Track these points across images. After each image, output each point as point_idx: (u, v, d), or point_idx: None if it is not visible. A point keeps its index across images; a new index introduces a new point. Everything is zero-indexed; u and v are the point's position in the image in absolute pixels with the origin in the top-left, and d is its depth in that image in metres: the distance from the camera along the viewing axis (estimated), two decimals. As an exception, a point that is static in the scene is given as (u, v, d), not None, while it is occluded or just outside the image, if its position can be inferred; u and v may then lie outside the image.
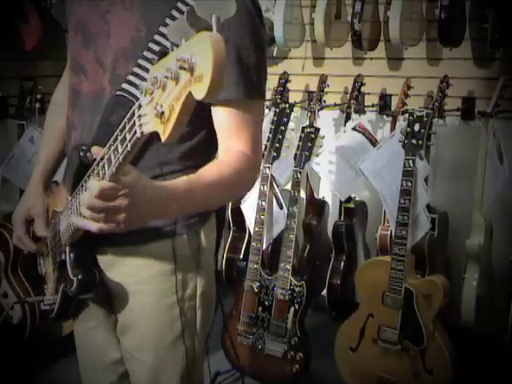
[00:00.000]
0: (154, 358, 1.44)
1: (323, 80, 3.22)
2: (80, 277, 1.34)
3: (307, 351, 2.72)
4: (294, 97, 3.51)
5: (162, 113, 0.86)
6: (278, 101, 3.18)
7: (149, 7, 1.33)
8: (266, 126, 2.93)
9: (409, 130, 2.58)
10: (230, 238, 3.40)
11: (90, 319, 1.55)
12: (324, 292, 3.20)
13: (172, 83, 0.83)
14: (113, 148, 1.05)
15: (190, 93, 0.81)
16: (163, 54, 1.25)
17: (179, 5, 1.30)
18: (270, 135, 2.88)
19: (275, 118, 2.89)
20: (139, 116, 0.94)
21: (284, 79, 3.34)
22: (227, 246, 3.37)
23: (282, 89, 3.31)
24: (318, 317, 3.27)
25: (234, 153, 1.31)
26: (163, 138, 0.87)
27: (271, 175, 2.86)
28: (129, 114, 0.98)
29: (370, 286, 2.64)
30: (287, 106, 2.92)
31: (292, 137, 3.09)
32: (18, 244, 1.57)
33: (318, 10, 3.31)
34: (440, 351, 2.48)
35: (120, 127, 1.02)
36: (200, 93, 0.78)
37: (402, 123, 2.77)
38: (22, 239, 1.55)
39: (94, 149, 1.17)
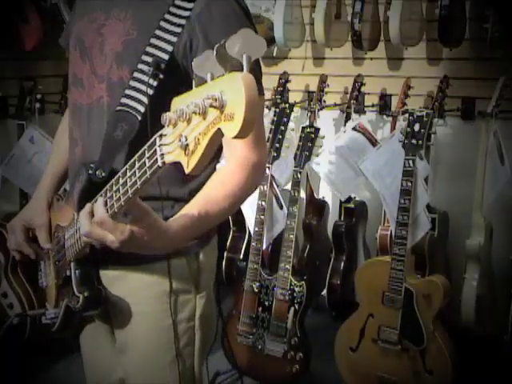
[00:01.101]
0: (153, 379, 1.45)
1: (323, 80, 3.22)
2: (86, 294, 1.35)
3: (307, 351, 2.72)
4: (293, 97, 3.51)
5: (187, 145, 0.87)
6: (278, 101, 3.18)
7: (140, 14, 1.35)
8: (266, 125, 2.94)
9: (409, 129, 2.58)
10: (229, 238, 3.40)
11: (95, 337, 1.55)
12: (324, 292, 3.19)
13: (199, 118, 0.85)
14: (130, 173, 1.06)
15: (219, 129, 0.83)
16: (157, 64, 1.28)
17: (172, 9, 1.32)
18: (270, 135, 2.87)
19: (275, 118, 2.89)
20: (161, 145, 0.95)
21: (284, 79, 3.34)
22: (227, 246, 3.37)
23: (282, 89, 3.31)
24: (318, 317, 3.27)
25: (238, 161, 1.32)
26: (187, 170, 0.89)
27: (271, 175, 2.86)
28: (149, 142, 0.99)
29: (370, 286, 2.64)
30: (287, 105, 2.92)
31: (292, 137, 3.09)
32: (16, 250, 1.54)
33: (317, 10, 3.31)
34: (440, 351, 2.48)
35: (138, 154, 1.03)
36: (231, 131, 0.81)
37: (401, 123, 2.77)
38: (22, 245, 1.53)
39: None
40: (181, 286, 1.41)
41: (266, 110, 3.31)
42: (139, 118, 1.28)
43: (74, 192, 1.31)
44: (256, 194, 2.84)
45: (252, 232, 2.83)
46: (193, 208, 1.25)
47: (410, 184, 2.53)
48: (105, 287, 1.40)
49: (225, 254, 3.36)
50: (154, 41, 1.31)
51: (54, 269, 1.47)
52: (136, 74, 1.31)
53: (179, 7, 1.31)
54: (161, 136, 0.95)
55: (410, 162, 2.55)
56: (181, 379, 1.44)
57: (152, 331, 1.43)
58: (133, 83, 1.31)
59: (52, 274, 1.49)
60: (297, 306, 2.71)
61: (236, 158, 1.32)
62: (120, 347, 1.48)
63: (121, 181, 1.09)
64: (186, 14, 1.31)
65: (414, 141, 2.56)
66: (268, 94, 3.27)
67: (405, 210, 2.54)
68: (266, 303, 2.79)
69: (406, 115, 2.63)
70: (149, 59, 1.29)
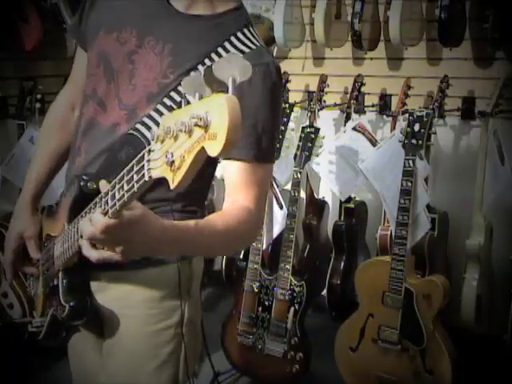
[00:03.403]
0: None
1: (323, 80, 3.22)
2: (72, 303, 1.33)
3: (307, 351, 2.72)
4: (293, 97, 3.51)
5: (173, 161, 0.90)
6: (278, 101, 3.18)
7: (179, 55, 1.34)
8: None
9: (409, 130, 2.59)
10: (230, 238, 3.39)
11: (81, 343, 1.54)
12: (324, 292, 3.19)
13: (185, 136, 0.87)
14: (118, 186, 1.06)
15: (203, 148, 0.85)
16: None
17: (213, 55, 1.33)
18: (270, 135, 2.87)
19: (275, 118, 2.88)
20: (149, 160, 0.96)
21: (284, 79, 3.33)
22: (227, 246, 3.37)
23: (283, 89, 3.31)
24: (318, 317, 3.27)
25: (240, 206, 1.32)
26: (172, 186, 0.91)
27: (271, 175, 2.86)
28: (138, 157, 1.00)
29: (370, 286, 2.64)
30: (287, 105, 2.92)
31: (292, 137, 3.09)
32: (6, 269, 1.55)
33: (317, 10, 3.31)
34: (440, 351, 2.49)
35: (127, 168, 1.03)
36: (214, 150, 0.84)
37: (401, 123, 2.77)
38: (9, 267, 1.54)
39: (102, 183, 1.16)
40: (172, 291, 1.41)
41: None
42: (147, 146, 1.29)
43: (65, 201, 1.31)
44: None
45: (252, 232, 2.83)
46: (190, 221, 1.24)
47: (410, 184, 2.54)
48: (93, 296, 1.39)
49: (225, 253, 3.36)
50: None
51: (42, 278, 1.47)
52: (159, 107, 1.33)
53: (220, 55, 1.33)
54: (149, 151, 0.97)
55: (410, 162, 2.55)
56: None
57: (140, 335, 1.43)
58: (153, 114, 1.33)
59: (40, 283, 1.49)
60: (297, 306, 2.71)
61: (239, 204, 1.33)
62: (106, 350, 1.47)
63: (109, 193, 1.09)
64: None
65: (413, 141, 2.56)
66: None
67: (405, 210, 2.54)
68: (266, 303, 2.79)
69: (406, 115, 2.64)
70: (176, 97, 1.32)
